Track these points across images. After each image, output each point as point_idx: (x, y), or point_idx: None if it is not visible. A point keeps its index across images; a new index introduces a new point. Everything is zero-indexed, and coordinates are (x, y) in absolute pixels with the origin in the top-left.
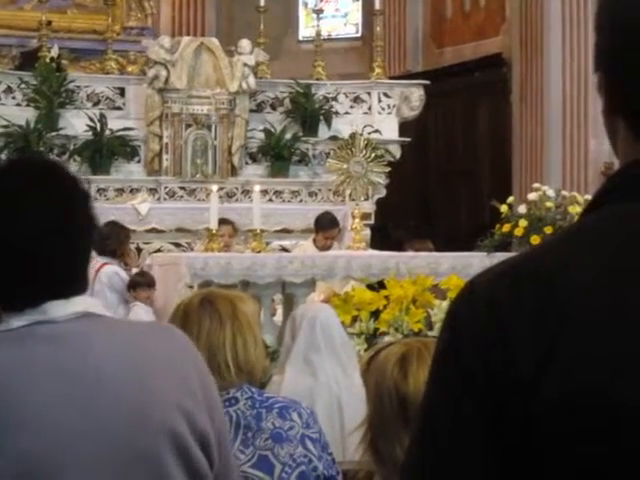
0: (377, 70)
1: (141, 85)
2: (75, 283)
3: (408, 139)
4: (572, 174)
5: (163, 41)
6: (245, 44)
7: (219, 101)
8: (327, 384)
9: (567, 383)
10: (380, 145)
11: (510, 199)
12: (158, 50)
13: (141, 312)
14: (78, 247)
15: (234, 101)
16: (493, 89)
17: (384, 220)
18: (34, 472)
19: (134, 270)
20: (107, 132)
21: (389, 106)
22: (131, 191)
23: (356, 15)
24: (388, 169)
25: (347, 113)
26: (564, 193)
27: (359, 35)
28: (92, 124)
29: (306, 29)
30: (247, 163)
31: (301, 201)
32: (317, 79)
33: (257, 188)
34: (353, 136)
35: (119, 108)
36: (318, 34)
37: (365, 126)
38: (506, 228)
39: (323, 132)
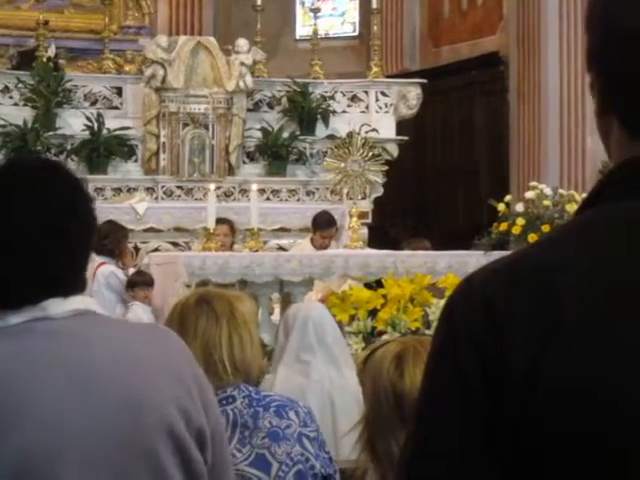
0: (374, 69)
1: (138, 84)
2: (74, 282)
3: (405, 138)
4: (569, 172)
5: (160, 40)
6: (242, 43)
7: (216, 100)
8: (320, 383)
9: (562, 382)
10: (377, 144)
11: (507, 197)
12: (155, 49)
13: (139, 311)
14: (78, 247)
15: (231, 100)
16: (490, 87)
17: (382, 219)
18: (32, 468)
19: (131, 270)
20: (104, 131)
21: (386, 105)
22: (128, 190)
23: (353, 14)
24: (385, 168)
25: (344, 112)
26: (561, 191)
27: (356, 34)
28: (89, 123)
29: (303, 28)
30: (244, 162)
31: (299, 200)
32: (314, 78)
33: (254, 187)
34: (350, 135)
35: (116, 107)
36: (315, 33)
37: (362, 125)
38: (503, 227)
39: (320, 131)
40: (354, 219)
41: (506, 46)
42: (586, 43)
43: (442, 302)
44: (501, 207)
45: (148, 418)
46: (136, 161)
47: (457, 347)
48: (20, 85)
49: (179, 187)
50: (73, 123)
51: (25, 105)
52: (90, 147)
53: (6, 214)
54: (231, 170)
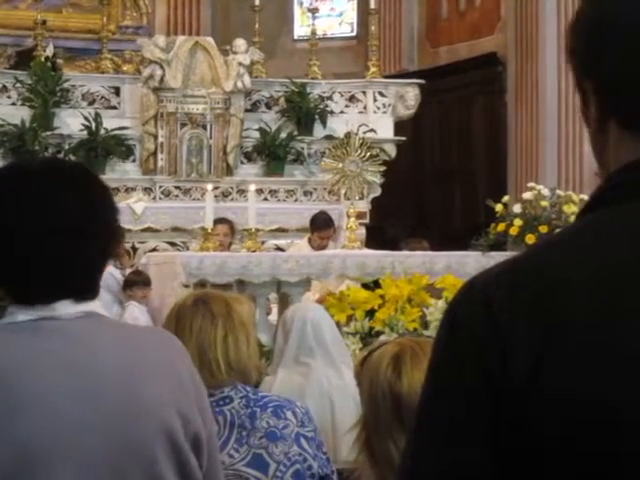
0: (372, 69)
1: (136, 84)
2: (88, 288)
3: (403, 138)
4: (567, 173)
5: (158, 40)
6: (240, 43)
7: (214, 100)
8: (319, 383)
9: (563, 384)
10: (375, 144)
11: (505, 198)
12: (153, 49)
13: (136, 311)
14: (96, 252)
15: (229, 100)
16: (488, 88)
17: (379, 219)
18: (28, 458)
19: (128, 270)
20: (102, 131)
21: (384, 105)
22: (126, 190)
23: (351, 14)
24: (383, 168)
25: (342, 112)
26: (559, 192)
27: (354, 34)
28: (87, 123)
29: (301, 28)
30: (242, 162)
31: (296, 200)
32: (312, 78)
33: (252, 187)
34: (348, 135)
35: (114, 107)
36: (313, 33)
37: (360, 125)
38: (501, 227)
39: (318, 131)
40: (352, 219)
41: (504, 47)
42: (573, 59)
43: (440, 303)
44: (499, 208)
45: (147, 421)
46: (134, 161)
47: (459, 351)
48: (18, 85)
49: (177, 187)
50: (71, 123)
51: (23, 105)
52: (88, 147)
53: (27, 213)
54: (229, 170)
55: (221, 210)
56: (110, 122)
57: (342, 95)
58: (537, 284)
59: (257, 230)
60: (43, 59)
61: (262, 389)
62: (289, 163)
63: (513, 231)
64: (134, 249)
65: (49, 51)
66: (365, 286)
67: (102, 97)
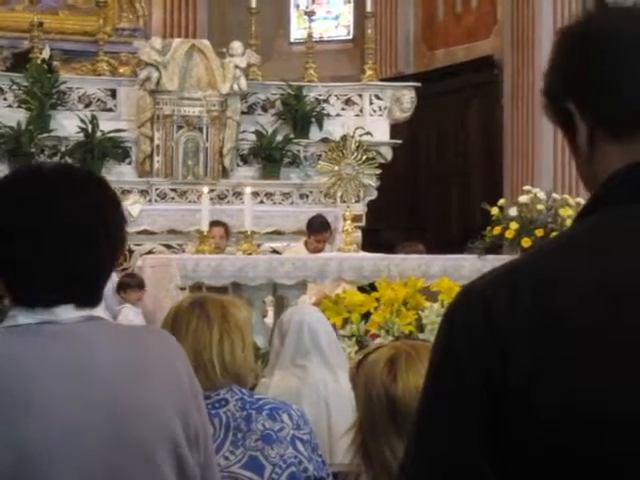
0: (368, 72)
1: (132, 86)
2: (90, 295)
3: (399, 141)
4: (563, 176)
5: (155, 42)
6: (237, 46)
7: (210, 103)
8: (315, 386)
9: (563, 387)
10: (371, 147)
11: (501, 201)
12: (149, 51)
13: (130, 314)
14: (103, 260)
15: (225, 103)
16: (484, 91)
17: (375, 222)
18: (28, 462)
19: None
20: (98, 133)
21: (380, 108)
22: (122, 192)
23: (348, 17)
24: (379, 171)
25: (338, 115)
26: (555, 195)
27: (350, 37)
28: (83, 125)
29: (298, 31)
30: (238, 165)
31: (292, 203)
32: (309, 81)
33: (248, 190)
34: (344, 138)
35: (110, 110)
36: (310, 36)
37: (356, 128)
38: (497, 230)
39: (314, 134)
40: (348, 222)
41: (500, 50)
42: (559, 73)
43: (436, 306)
44: (495, 211)
45: (148, 423)
46: (130, 163)
47: (459, 357)
48: (14, 87)
49: (173, 189)
50: (67, 125)
51: (19, 107)
52: (84, 149)
53: (34, 216)
54: (225, 173)
55: (217, 213)
56: (106, 124)
57: (338, 98)
58: (536, 289)
59: (253, 233)
60: (39, 61)
61: (258, 391)
62: (285, 166)
63: (509, 234)
64: (130, 251)
65: (45, 53)
66: (361, 289)
67: (98, 99)
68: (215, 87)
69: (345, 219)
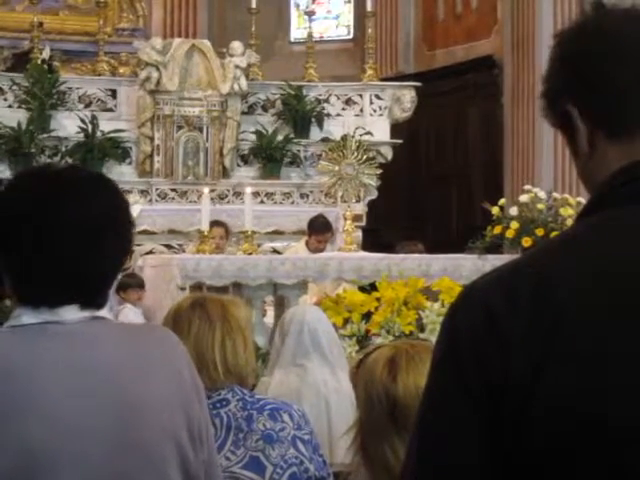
0: (369, 72)
1: (133, 87)
2: (95, 296)
3: (400, 141)
4: (564, 176)
5: (155, 42)
6: (237, 46)
7: (211, 103)
8: (315, 386)
9: (563, 390)
10: (372, 147)
11: (501, 201)
12: (150, 51)
13: (130, 314)
14: (110, 263)
15: (226, 103)
16: (485, 91)
17: (376, 222)
18: (31, 462)
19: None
20: (98, 134)
21: (381, 108)
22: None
23: (348, 17)
24: (379, 171)
25: (339, 115)
26: (555, 195)
27: (351, 37)
28: (84, 126)
29: (298, 31)
30: (239, 165)
31: (293, 203)
32: (309, 81)
33: (249, 190)
34: (345, 138)
35: (111, 110)
36: (310, 36)
37: (357, 128)
38: (497, 230)
39: (315, 134)
40: (348, 222)
41: (500, 49)
42: (555, 85)
43: (436, 305)
44: (495, 210)
45: (153, 421)
46: (130, 163)
47: (460, 357)
48: (14, 87)
49: (173, 190)
50: (67, 125)
51: (19, 107)
52: (84, 149)
53: (42, 216)
54: (225, 173)
55: (217, 213)
56: (106, 124)
57: (338, 98)
58: (536, 288)
59: (253, 233)
60: (40, 61)
61: (258, 390)
62: (285, 166)
63: (509, 234)
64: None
65: (45, 53)
66: (362, 289)
67: (98, 99)
68: (215, 87)
69: (345, 219)
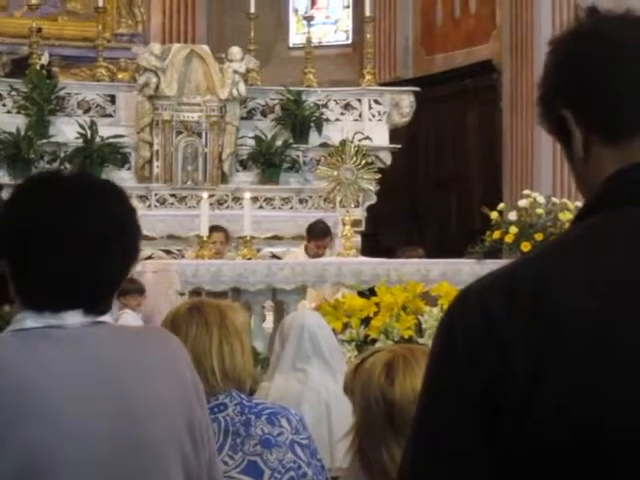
0: (367, 77)
1: (131, 92)
2: (99, 303)
3: (398, 146)
4: (562, 181)
5: (153, 48)
6: (235, 51)
7: (209, 108)
8: (316, 390)
9: (559, 392)
10: (370, 152)
11: (500, 206)
12: (148, 57)
13: (129, 319)
14: (116, 270)
15: (224, 108)
16: (483, 95)
17: (375, 227)
18: (34, 466)
19: None
20: (97, 139)
21: (379, 113)
22: None
23: (346, 22)
24: (378, 176)
25: (337, 120)
26: (554, 200)
27: (349, 42)
28: (82, 131)
29: (296, 36)
30: (237, 170)
31: (292, 208)
32: (307, 86)
33: (247, 195)
34: (343, 143)
35: (109, 115)
36: (308, 41)
37: (355, 133)
38: (496, 235)
39: (314, 139)
40: (347, 227)
41: (499, 54)
42: (550, 92)
43: (435, 310)
44: (494, 215)
45: (153, 422)
46: (129, 169)
47: (456, 358)
48: (13, 93)
49: (172, 195)
50: (66, 131)
51: (18, 113)
52: (83, 155)
53: (49, 221)
54: (224, 178)
55: (216, 218)
56: (105, 130)
57: (337, 103)
58: (533, 291)
59: (252, 238)
60: (38, 67)
61: (259, 395)
62: (284, 171)
63: (508, 239)
64: None
65: (44, 59)
66: (361, 294)
67: (97, 105)
68: (214, 92)
69: (344, 224)
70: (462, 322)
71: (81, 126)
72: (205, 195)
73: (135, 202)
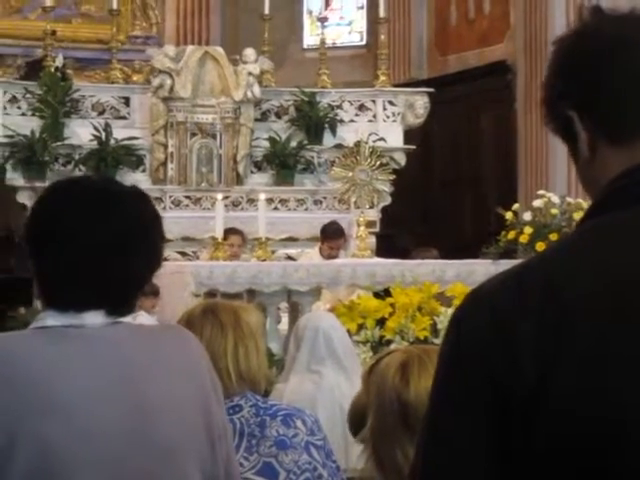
0: (382, 78)
1: (146, 94)
2: (121, 305)
3: (413, 147)
4: (577, 181)
5: (168, 50)
6: (250, 53)
7: (224, 110)
8: (330, 391)
9: (570, 392)
10: (385, 153)
11: (515, 206)
12: (163, 59)
13: (144, 321)
14: (137, 272)
15: (239, 110)
16: (498, 96)
17: (389, 228)
18: (52, 460)
19: None
20: (112, 141)
21: (394, 114)
22: None
23: (361, 23)
24: (393, 177)
25: (352, 121)
26: (569, 200)
27: (364, 43)
28: (97, 133)
29: (311, 37)
30: (252, 172)
31: (306, 209)
32: (322, 87)
33: (262, 196)
34: (358, 144)
35: (124, 117)
36: (323, 42)
37: (370, 134)
38: (511, 235)
39: (328, 140)
40: (362, 228)
41: (513, 55)
42: (556, 92)
43: (450, 311)
44: (509, 215)
45: (171, 420)
46: (144, 171)
47: (466, 358)
48: (28, 95)
49: (187, 197)
50: (81, 133)
51: (33, 115)
52: (98, 157)
53: (74, 223)
54: (239, 179)
55: (231, 219)
56: (120, 132)
57: (352, 104)
58: (542, 292)
59: (267, 239)
60: (53, 69)
61: (273, 396)
62: (299, 172)
63: (523, 239)
64: None
65: (59, 61)
66: (376, 295)
67: (112, 107)
68: (228, 94)
69: (359, 225)
70: (471, 321)
71: (95, 128)
72: (220, 197)
73: None
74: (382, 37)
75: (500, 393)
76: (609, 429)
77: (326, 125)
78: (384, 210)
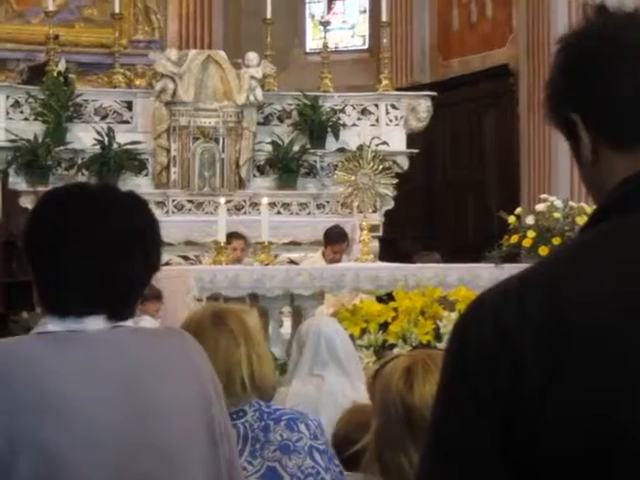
0: (384, 82)
1: (148, 98)
2: (122, 310)
3: (416, 150)
4: (580, 185)
5: (170, 54)
6: (252, 57)
7: (226, 114)
8: (332, 396)
9: (571, 399)
10: (388, 157)
11: (518, 210)
12: (165, 63)
13: (148, 325)
14: (136, 277)
15: (241, 114)
16: (500, 100)
17: (392, 232)
18: (53, 464)
19: None
20: (115, 146)
21: (396, 118)
22: None
23: (363, 27)
24: (396, 181)
25: (354, 125)
26: (572, 204)
27: (366, 47)
28: (100, 138)
29: (313, 41)
30: (255, 175)
31: (309, 213)
32: (324, 91)
33: (265, 200)
34: (361, 148)
35: (127, 122)
36: (325, 46)
37: (373, 138)
38: (514, 239)
39: (331, 144)
40: (365, 232)
41: (516, 58)
42: (559, 96)
43: (453, 315)
44: (511, 219)
45: (173, 423)
46: (147, 175)
47: (469, 366)
48: (30, 100)
49: (190, 201)
50: (83, 137)
51: (36, 120)
52: (101, 161)
53: (73, 229)
54: (242, 183)
55: (234, 224)
56: (123, 136)
57: (354, 108)
58: (545, 299)
59: (270, 243)
60: (55, 74)
61: (276, 401)
62: (302, 176)
63: (526, 243)
64: None
65: (61, 66)
66: (378, 299)
67: (114, 111)
68: (231, 98)
69: (362, 229)
70: (474, 327)
71: (98, 133)
72: (222, 201)
73: (152, 208)
74: (385, 41)
75: (503, 398)
76: (613, 433)
77: (329, 129)
78: (387, 214)
